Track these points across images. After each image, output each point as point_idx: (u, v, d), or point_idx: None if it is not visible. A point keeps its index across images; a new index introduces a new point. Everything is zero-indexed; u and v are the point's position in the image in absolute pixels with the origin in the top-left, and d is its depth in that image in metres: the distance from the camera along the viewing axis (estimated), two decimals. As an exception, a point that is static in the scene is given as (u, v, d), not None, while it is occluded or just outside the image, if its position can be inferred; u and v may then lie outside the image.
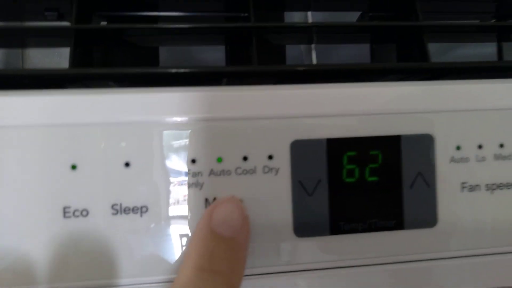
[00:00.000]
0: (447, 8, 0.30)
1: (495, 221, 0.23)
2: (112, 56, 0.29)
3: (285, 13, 0.31)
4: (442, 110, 0.22)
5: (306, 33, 0.29)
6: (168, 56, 0.33)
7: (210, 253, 0.19)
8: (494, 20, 0.31)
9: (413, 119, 0.22)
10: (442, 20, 0.30)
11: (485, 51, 0.33)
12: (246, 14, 0.27)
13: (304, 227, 0.21)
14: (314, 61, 0.31)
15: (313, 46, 0.31)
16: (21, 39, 0.29)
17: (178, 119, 0.21)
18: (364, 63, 0.30)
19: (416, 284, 0.22)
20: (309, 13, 0.31)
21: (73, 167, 0.20)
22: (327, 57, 0.33)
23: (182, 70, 0.22)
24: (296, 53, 0.32)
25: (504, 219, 0.23)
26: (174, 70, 0.22)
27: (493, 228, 0.23)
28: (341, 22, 0.29)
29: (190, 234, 0.20)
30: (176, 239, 0.21)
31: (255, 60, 0.24)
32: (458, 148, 0.22)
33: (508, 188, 0.23)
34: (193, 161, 0.21)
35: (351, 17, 0.31)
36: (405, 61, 0.26)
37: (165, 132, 0.21)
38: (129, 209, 0.20)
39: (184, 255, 0.20)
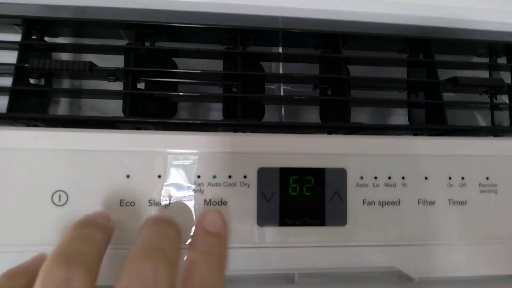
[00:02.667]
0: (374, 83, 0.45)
1: (383, 225, 0.36)
2: (148, 107, 0.43)
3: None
4: (352, 153, 0.36)
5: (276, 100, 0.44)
6: (184, 110, 0.47)
7: (206, 242, 0.31)
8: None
9: (334, 158, 0.36)
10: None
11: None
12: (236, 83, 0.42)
13: (263, 220, 0.35)
14: (283, 115, 0.46)
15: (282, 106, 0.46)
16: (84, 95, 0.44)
17: (194, 151, 0.35)
18: (309, 122, 0.44)
19: (332, 261, 0.36)
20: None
21: (128, 176, 0.34)
22: (295, 112, 0.48)
23: (192, 121, 0.37)
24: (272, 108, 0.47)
25: (388, 224, 0.36)
26: (190, 121, 0.37)
27: (383, 228, 0.36)
28: (296, 95, 0.43)
29: (194, 217, 0.34)
30: (188, 220, 0.34)
31: (239, 115, 0.38)
32: (361, 178, 0.36)
33: (393, 205, 0.37)
34: (199, 176, 0.35)
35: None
36: (336, 121, 0.41)
37: (184, 158, 0.35)
38: (159, 203, 0.34)
39: (189, 244, 0.32)
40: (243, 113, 0.40)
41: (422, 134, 0.43)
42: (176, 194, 0.34)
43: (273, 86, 0.49)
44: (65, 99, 0.48)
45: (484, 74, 0.48)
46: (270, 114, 0.45)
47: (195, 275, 0.27)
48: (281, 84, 0.45)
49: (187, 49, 0.43)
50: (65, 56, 0.45)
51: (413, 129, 0.41)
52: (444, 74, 0.44)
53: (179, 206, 0.34)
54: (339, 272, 0.37)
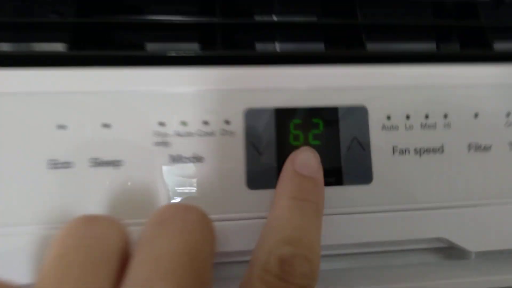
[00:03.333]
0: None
1: (423, 180, 0.26)
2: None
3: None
4: (374, 86, 0.26)
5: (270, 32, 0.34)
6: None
7: (299, 187, 0.23)
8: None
9: (349, 93, 0.26)
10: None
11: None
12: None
13: (255, 180, 0.25)
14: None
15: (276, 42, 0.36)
16: (28, 35, 0.33)
17: (153, 89, 0.25)
18: (314, 51, 0.34)
19: (353, 234, 0.25)
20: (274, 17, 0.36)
21: (61, 127, 0.24)
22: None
23: (162, 54, 0.27)
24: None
25: (430, 179, 0.26)
26: (153, 54, 0.27)
27: (423, 185, 0.26)
28: (297, 20, 0.33)
29: (157, 182, 0.24)
30: (147, 186, 0.24)
31: (220, 47, 0.28)
32: (389, 118, 0.26)
33: (434, 153, 0.26)
34: (162, 124, 0.25)
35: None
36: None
37: (141, 99, 0.25)
38: (106, 163, 0.24)
39: (275, 192, 0.24)
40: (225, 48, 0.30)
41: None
42: (131, 149, 0.24)
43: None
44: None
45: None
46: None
47: (287, 224, 0.21)
48: (274, 15, 0.35)
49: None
50: None
51: (448, 57, 0.31)
52: None
53: (135, 165, 0.24)
54: (364, 248, 0.27)
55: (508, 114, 0.27)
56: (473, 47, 0.33)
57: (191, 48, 0.33)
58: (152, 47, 0.35)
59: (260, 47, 0.36)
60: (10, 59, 0.27)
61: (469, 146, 0.27)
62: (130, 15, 0.33)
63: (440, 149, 0.26)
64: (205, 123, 0.25)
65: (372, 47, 0.34)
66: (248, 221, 0.25)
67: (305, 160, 0.24)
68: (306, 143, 0.26)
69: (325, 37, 0.34)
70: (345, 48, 0.32)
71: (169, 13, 0.34)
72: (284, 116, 0.26)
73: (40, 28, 0.31)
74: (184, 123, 0.25)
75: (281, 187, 0.24)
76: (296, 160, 0.24)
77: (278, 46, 0.35)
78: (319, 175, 0.24)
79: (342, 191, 0.25)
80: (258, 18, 0.36)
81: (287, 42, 0.36)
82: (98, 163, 0.24)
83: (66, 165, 0.24)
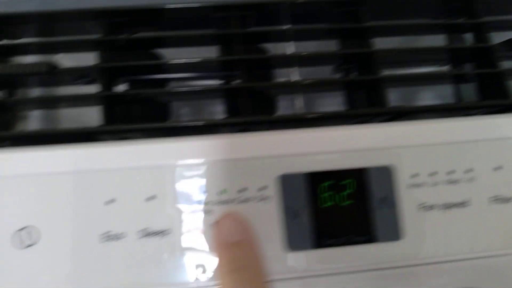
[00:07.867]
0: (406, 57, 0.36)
1: (448, 235, 0.28)
2: (133, 112, 0.35)
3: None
4: (399, 145, 0.28)
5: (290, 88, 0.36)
6: (179, 110, 0.39)
7: (231, 258, 0.25)
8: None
9: (377, 154, 0.28)
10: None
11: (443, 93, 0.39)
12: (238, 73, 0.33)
13: (292, 243, 0.26)
14: (302, 108, 0.37)
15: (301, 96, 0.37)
16: (57, 103, 0.35)
17: (194, 161, 0.27)
18: (338, 111, 0.36)
19: (387, 287, 0.27)
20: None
21: (110, 201, 0.26)
22: (313, 104, 0.40)
23: (186, 124, 0.29)
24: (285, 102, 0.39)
25: (456, 233, 0.28)
26: (183, 124, 0.28)
27: (450, 239, 0.28)
28: (322, 78, 0.35)
29: (205, 247, 0.26)
30: (197, 252, 0.26)
31: (244, 111, 0.30)
32: (415, 175, 0.28)
33: (458, 207, 0.28)
34: (204, 193, 0.26)
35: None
36: (371, 107, 0.33)
37: (182, 171, 0.26)
38: (155, 232, 0.26)
39: (215, 269, 0.26)
40: (249, 109, 0.32)
41: (475, 115, 0.34)
42: (176, 219, 0.26)
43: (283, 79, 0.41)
44: (37, 114, 0.39)
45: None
46: (280, 112, 0.37)
47: None
48: (293, 68, 0.37)
49: (173, 35, 0.35)
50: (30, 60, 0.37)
51: (467, 108, 0.32)
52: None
53: (182, 234, 0.26)
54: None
55: (528, 165, 0.29)
56: (490, 93, 0.34)
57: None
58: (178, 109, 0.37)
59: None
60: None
61: (491, 199, 0.28)
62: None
63: (466, 203, 0.28)
64: (244, 190, 0.27)
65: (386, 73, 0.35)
66: (288, 281, 0.26)
67: (228, 227, 0.26)
68: (338, 204, 0.27)
69: (346, 89, 0.35)
70: (365, 101, 0.34)
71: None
72: (315, 180, 0.27)
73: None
74: (224, 191, 0.27)
75: (217, 261, 0.25)
76: (219, 231, 0.26)
77: (297, 102, 0.36)
78: (246, 235, 0.26)
79: (374, 248, 0.27)
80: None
81: (307, 93, 0.37)
82: (147, 233, 0.26)
83: (117, 237, 0.26)
